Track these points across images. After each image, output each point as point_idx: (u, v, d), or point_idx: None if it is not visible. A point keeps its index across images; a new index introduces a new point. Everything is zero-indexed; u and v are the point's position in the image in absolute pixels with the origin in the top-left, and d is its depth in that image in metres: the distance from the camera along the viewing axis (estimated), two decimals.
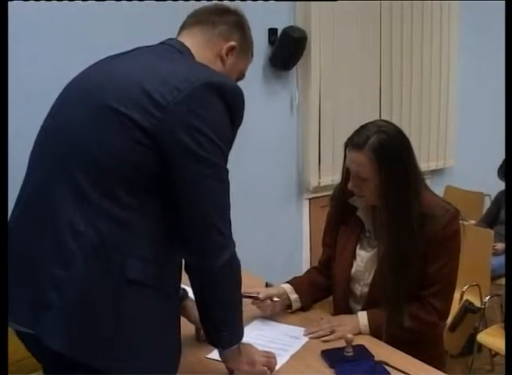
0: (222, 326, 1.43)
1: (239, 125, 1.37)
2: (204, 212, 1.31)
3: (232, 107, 1.32)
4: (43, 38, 2.91)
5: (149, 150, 1.25)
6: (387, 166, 1.70)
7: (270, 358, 1.55)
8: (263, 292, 1.86)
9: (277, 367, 1.57)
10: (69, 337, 1.23)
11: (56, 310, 1.23)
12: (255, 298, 1.83)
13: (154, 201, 1.29)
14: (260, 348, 1.58)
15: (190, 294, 1.51)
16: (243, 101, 1.35)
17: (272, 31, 3.63)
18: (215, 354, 1.56)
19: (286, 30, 3.59)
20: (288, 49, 3.63)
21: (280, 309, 1.91)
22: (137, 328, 1.27)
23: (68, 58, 2.91)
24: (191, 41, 1.45)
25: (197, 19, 1.48)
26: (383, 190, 1.72)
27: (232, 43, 1.46)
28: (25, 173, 1.41)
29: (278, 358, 1.58)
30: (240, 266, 1.40)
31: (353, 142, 1.73)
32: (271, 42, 3.63)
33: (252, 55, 1.57)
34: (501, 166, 3.62)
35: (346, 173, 1.80)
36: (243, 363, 1.49)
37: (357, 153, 1.72)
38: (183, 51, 1.42)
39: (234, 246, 1.37)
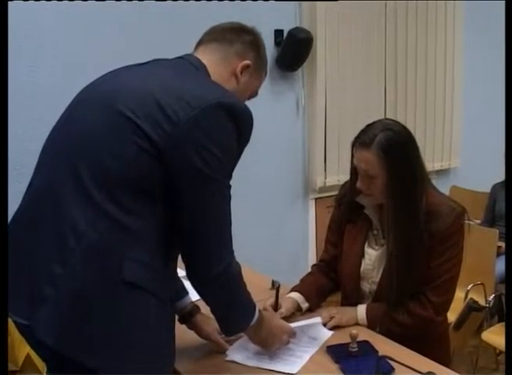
0: (230, 319, 1.48)
1: (245, 145, 1.40)
2: (205, 227, 1.35)
3: (240, 128, 1.35)
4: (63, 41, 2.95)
5: (155, 160, 1.28)
6: (395, 163, 1.72)
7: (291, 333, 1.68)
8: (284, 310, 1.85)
9: (298, 368, 1.60)
10: (60, 332, 1.25)
11: (50, 304, 1.25)
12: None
13: (156, 208, 1.32)
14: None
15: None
16: (252, 123, 1.39)
17: (278, 32, 3.65)
18: (233, 356, 1.63)
19: (292, 32, 3.61)
20: (294, 50, 3.64)
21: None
22: (131, 329, 1.28)
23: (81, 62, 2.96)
24: (208, 57, 1.48)
25: (214, 37, 1.51)
26: (391, 187, 1.73)
27: (247, 62, 1.49)
28: (34, 169, 1.44)
29: (298, 360, 1.63)
30: (238, 271, 1.43)
31: (361, 141, 1.74)
32: (277, 43, 3.65)
33: (266, 74, 1.60)
34: None
35: (354, 172, 1.82)
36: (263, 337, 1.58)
37: (364, 151, 1.73)
38: (200, 68, 1.45)
39: (233, 258, 1.40)
